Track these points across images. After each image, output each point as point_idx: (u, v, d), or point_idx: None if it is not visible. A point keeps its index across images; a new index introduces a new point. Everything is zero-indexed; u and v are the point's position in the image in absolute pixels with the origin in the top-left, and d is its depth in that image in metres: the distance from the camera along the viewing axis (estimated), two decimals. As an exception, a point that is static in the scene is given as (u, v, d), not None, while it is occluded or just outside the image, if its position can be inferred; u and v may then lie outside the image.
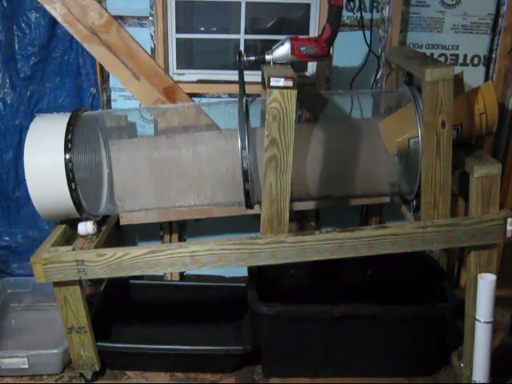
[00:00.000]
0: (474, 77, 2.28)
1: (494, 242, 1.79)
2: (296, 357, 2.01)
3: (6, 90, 2.28)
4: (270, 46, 1.81)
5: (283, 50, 1.77)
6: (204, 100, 2.33)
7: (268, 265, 1.81)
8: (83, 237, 1.92)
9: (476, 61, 2.32)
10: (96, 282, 2.40)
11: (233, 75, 2.30)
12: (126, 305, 2.30)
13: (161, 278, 2.57)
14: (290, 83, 1.61)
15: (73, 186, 1.77)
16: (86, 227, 1.91)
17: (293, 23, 2.41)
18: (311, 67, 2.33)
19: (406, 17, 2.24)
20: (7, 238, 2.47)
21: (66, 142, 1.77)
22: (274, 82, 1.61)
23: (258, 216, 1.81)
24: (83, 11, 2.13)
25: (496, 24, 2.26)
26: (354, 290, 2.21)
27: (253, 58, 1.80)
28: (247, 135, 1.77)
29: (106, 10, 2.16)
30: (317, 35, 1.85)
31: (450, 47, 2.30)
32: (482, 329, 1.77)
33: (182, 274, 2.58)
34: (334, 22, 1.78)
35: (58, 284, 1.81)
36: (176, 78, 2.31)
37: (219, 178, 1.89)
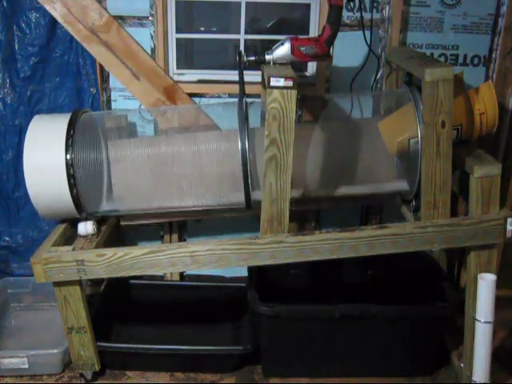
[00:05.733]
0: (474, 77, 2.28)
1: (494, 242, 1.79)
2: (296, 357, 2.01)
3: (5, 90, 2.27)
4: (270, 45, 1.81)
5: (283, 50, 1.77)
6: (204, 100, 2.33)
7: (268, 265, 1.81)
8: (83, 237, 1.92)
9: (476, 61, 2.32)
10: (96, 282, 2.39)
11: (233, 75, 2.29)
12: (125, 305, 2.30)
13: (161, 278, 2.57)
14: (289, 83, 1.61)
15: (73, 186, 1.77)
16: (86, 227, 1.91)
17: (293, 23, 2.41)
18: (311, 67, 2.33)
19: (406, 17, 2.24)
20: (7, 238, 2.46)
21: (67, 141, 1.77)
22: (274, 82, 1.61)
23: (258, 216, 1.81)
24: (83, 11, 2.13)
25: (496, 24, 2.25)
26: (354, 289, 2.22)
27: (253, 58, 1.80)
28: (247, 135, 1.77)
29: (106, 10, 2.16)
30: (317, 35, 1.85)
31: (450, 47, 2.30)
32: (482, 329, 1.77)
33: (182, 274, 2.58)
34: (334, 22, 1.78)
35: (58, 284, 1.81)
36: (176, 78, 2.31)
37: (219, 178, 1.89)
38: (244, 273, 2.19)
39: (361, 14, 2.18)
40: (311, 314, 1.94)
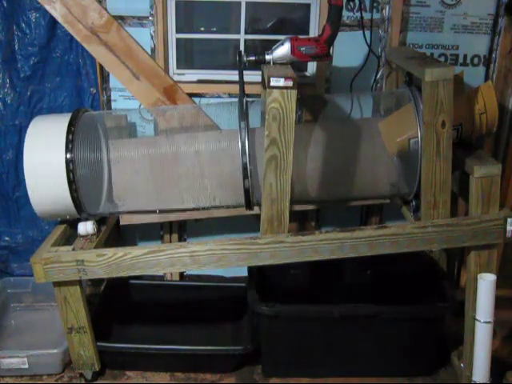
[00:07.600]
0: (474, 77, 2.28)
1: (494, 242, 1.79)
2: (296, 357, 2.01)
3: (5, 90, 2.27)
4: (270, 45, 1.81)
5: (283, 50, 1.77)
6: (204, 100, 2.33)
7: (268, 265, 1.81)
8: (83, 237, 1.92)
9: (476, 61, 2.32)
10: (96, 282, 2.39)
11: (233, 75, 2.30)
12: (125, 305, 2.30)
13: (161, 278, 2.57)
14: (289, 83, 1.61)
15: (73, 186, 1.77)
16: (86, 227, 1.91)
17: (293, 23, 2.41)
18: (311, 67, 2.33)
19: (406, 17, 2.24)
20: (7, 238, 2.46)
21: (67, 141, 1.77)
22: (274, 82, 1.61)
23: (258, 216, 1.81)
24: (83, 11, 2.13)
25: (496, 24, 2.26)
26: (354, 290, 2.22)
27: (253, 58, 1.80)
28: (247, 135, 1.77)
29: (106, 10, 2.16)
30: (317, 35, 1.85)
31: (450, 47, 2.30)
32: (482, 329, 1.77)
33: (182, 274, 2.58)
34: (334, 22, 1.78)
35: (58, 284, 1.81)
36: (176, 78, 2.31)
37: (219, 179, 1.89)
38: (244, 273, 2.19)
39: (361, 14, 2.18)
40: (311, 313, 1.94)
